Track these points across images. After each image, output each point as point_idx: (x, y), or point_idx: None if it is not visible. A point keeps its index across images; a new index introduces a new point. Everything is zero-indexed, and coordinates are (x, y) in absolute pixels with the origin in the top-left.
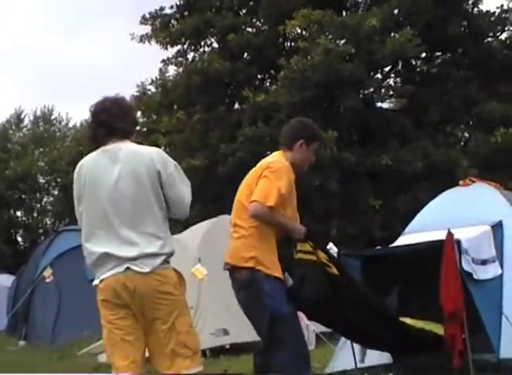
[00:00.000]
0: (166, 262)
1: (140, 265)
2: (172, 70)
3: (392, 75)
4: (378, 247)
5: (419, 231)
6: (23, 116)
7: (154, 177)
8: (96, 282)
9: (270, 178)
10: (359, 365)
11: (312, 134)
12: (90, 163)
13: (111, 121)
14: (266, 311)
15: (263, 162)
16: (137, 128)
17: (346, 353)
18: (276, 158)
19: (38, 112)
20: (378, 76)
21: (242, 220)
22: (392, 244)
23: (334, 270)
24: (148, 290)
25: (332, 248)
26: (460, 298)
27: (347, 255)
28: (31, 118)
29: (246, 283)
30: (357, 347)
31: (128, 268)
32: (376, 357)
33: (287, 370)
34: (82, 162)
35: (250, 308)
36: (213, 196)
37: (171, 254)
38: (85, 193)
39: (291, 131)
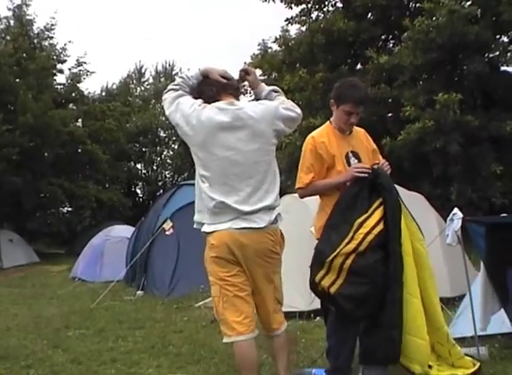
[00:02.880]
0: (277, 220)
1: (256, 220)
2: (293, 29)
3: None
4: (504, 214)
5: None
6: (144, 71)
7: (272, 136)
8: (207, 229)
9: (302, 160)
10: (480, 333)
11: (338, 95)
12: (208, 118)
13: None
14: None
15: None
16: None
17: (465, 320)
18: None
19: (159, 67)
20: (505, 39)
21: None
22: None
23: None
24: (263, 248)
25: (457, 213)
26: None
27: (471, 220)
28: (152, 73)
29: None
30: (478, 314)
31: (244, 227)
32: (497, 326)
33: None
34: (198, 114)
35: None
36: None
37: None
38: (204, 147)
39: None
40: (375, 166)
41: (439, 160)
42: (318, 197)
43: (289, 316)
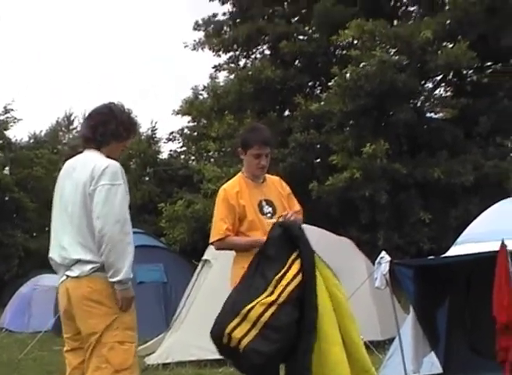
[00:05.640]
0: (101, 270)
1: (73, 269)
2: (222, 76)
3: (443, 84)
4: (431, 257)
5: (471, 242)
6: (73, 119)
7: (86, 188)
8: None
9: (215, 212)
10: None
11: (243, 141)
12: (61, 171)
13: (84, 131)
14: None
15: None
16: (187, 132)
17: (395, 362)
18: None
19: None
20: (429, 85)
21: None
22: (444, 255)
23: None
24: (79, 296)
25: (384, 256)
26: None
27: (400, 263)
28: (81, 120)
29: None
30: (409, 356)
31: (67, 276)
32: (427, 367)
33: None
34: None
35: None
36: None
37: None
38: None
39: None
40: (281, 220)
41: (366, 207)
42: None
43: (220, 362)
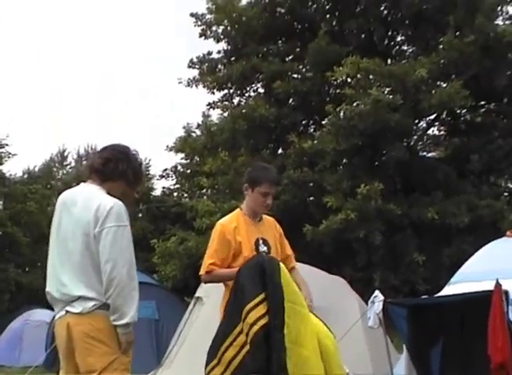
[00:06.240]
0: (103, 308)
1: (75, 305)
2: (215, 114)
3: (437, 123)
4: (424, 296)
5: (465, 281)
6: (66, 154)
7: (89, 228)
8: None
9: (209, 245)
10: None
11: (252, 178)
12: (58, 203)
13: (94, 162)
14: None
15: None
16: (180, 169)
17: None
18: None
19: (82, 151)
20: (423, 124)
21: None
22: (438, 294)
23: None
24: (80, 332)
25: (378, 295)
26: (508, 350)
27: (393, 303)
28: (74, 156)
29: None
30: None
31: (67, 311)
32: None
33: None
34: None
35: None
36: None
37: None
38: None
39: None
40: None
41: (361, 248)
42: None
43: None
